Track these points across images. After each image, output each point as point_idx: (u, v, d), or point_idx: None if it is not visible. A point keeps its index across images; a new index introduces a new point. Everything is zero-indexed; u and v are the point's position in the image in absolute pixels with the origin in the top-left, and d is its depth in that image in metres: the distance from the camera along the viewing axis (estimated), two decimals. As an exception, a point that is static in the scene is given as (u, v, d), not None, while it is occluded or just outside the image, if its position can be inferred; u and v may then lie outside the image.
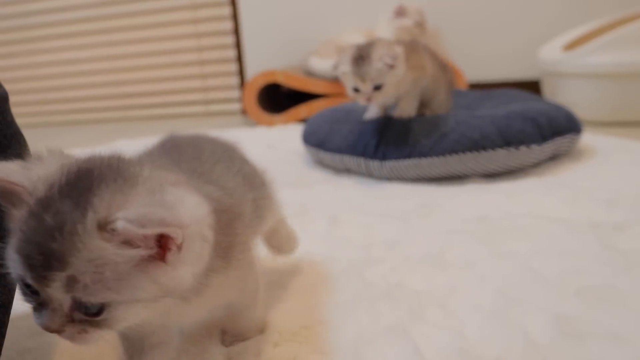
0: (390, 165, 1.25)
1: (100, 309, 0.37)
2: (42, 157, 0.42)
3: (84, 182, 0.38)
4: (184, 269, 0.39)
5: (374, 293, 0.73)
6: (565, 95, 1.95)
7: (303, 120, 2.35)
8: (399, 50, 1.10)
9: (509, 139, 1.20)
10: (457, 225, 0.96)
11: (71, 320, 0.38)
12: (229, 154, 0.62)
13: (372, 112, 1.35)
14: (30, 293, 0.38)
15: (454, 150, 1.19)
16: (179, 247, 0.37)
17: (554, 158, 1.34)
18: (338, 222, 1.00)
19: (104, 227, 0.36)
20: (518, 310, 0.65)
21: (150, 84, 3.06)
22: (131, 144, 1.96)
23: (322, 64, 2.22)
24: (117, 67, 3.05)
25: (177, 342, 0.56)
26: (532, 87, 2.19)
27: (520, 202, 1.05)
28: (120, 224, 0.35)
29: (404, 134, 1.25)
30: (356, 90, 1.14)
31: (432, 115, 1.32)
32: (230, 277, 0.47)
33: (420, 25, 2.23)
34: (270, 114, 2.39)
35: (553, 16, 2.28)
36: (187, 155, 0.56)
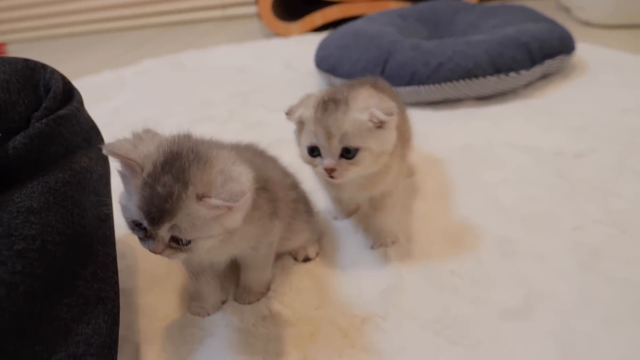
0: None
1: (188, 242, 0.56)
2: (142, 137, 0.60)
3: (178, 163, 0.55)
4: (239, 215, 0.59)
5: (368, 219, 0.94)
6: None
7: (318, 29, 2.43)
8: (393, 105, 0.70)
9: (499, 66, 1.32)
10: (445, 154, 1.14)
11: (168, 247, 0.56)
12: (270, 158, 0.83)
13: (337, 212, 0.95)
14: (140, 230, 0.57)
15: (449, 78, 1.33)
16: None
17: (545, 77, 1.46)
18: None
19: (200, 198, 0.54)
20: (473, 234, 0.86)
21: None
22: (156, 64, 2.12)
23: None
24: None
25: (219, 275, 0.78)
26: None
27: (502, 129, 1.22)
28: (213, 200, 0.53)
29: (405, 64, 1.38)
30: (313, 150, 0.71)
31: (433, 43, 1.44)
32: (252, 228, 0.68)
33: None
34: (285, 22, 2.46)
35: None
36: (240, 149, 0.75)
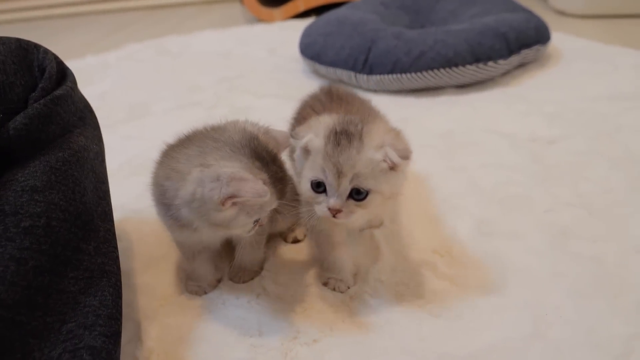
0: (376, 79, 1.44)
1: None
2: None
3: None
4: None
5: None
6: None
7: (301, 15, 2.45)
8: (408, 147, 0.66)
9: (478, 55, 1.37)
10: (427, 140, 1.19)
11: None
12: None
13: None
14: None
15: (430, 67, 1.38)
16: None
17: (522, 65, 1.52)
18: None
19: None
20: (454, 214, 0.92)
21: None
22: (140, 49, 2.11)
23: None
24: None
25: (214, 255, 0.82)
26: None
27: (481, 116, 1.27)
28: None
29: (388, 52, 1.42)
30: (319, 186, 0.65)
31: (415, 32, 1.48)
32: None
33: None
34: (268, 8, 2.48)
35: None
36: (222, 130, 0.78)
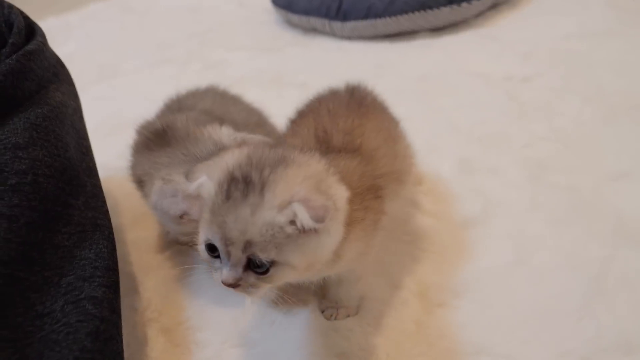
0: (351, 25, 1.42)
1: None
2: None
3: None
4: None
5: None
6: None
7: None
8: (343, 194, 0.49)
9: (452, -3, 1.37)
10: (404, 84, 1.19)
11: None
12: (232, 98, 0.86)
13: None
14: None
15: (404, 10, 1.37)
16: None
17: (495, 6, 1.52)
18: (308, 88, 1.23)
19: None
20: (436, 155, 0.94)
21: None
22: (103, 8, 2.03)
23: None
24: None
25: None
26: None
27: (456, 58, 1.28)
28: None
29: (361, -2, 1.40)
30: (213, 249, 0.48)
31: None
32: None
33: None
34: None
35: None
36: (199, 95, 0.77)
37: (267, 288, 0.49)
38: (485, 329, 0.64)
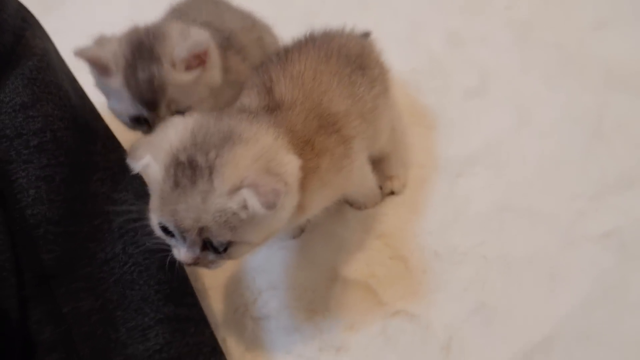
0: None
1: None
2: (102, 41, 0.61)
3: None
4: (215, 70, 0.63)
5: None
6: None
7: None
8: (294, 165, 0.48)
9: None
10: None
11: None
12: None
13: None
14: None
15: None
16: None
17: None
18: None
19: (173, 64, 0.62)
20: (423, 32, 0.94)
21: None
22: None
23: None
24: None
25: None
26: None
27: None
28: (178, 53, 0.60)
29: None
30: (167, 231, 0.48)
31: None
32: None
33: None
34: None
35: None
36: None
37: (230, 262, 0.51)
38: (504, 188, 0.70)
